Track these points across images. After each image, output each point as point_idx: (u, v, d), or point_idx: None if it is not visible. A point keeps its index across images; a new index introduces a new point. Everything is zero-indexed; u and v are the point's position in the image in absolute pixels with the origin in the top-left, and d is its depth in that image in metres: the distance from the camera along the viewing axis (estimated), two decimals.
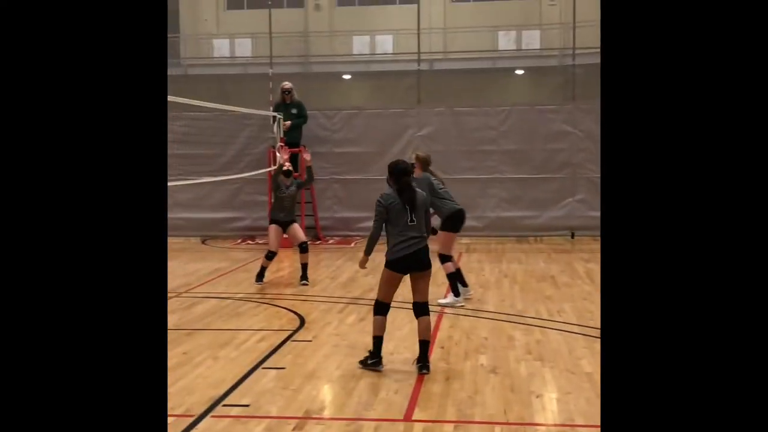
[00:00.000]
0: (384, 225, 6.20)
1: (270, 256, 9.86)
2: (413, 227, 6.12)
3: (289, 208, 10.07)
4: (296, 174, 14.18)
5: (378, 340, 6.18)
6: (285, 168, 10.13)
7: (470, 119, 14.72)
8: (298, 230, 10.09)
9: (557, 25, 24.19)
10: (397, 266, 6.12)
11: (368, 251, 6.38)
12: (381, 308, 6.21)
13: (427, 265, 6.17)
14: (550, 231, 14.51)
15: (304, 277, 9.97)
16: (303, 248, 9.96)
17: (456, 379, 5.84)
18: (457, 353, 6.60)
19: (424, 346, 6.12)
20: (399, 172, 6.22)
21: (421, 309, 6.18)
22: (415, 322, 6.19)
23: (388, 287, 6.21)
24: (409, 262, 6.12)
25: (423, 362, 6.05)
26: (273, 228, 9.94)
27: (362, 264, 6.49)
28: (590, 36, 22.06)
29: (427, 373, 5.96)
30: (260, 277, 9.88)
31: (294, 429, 4.83)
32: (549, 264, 11.75)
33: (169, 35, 27.70)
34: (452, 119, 14.74)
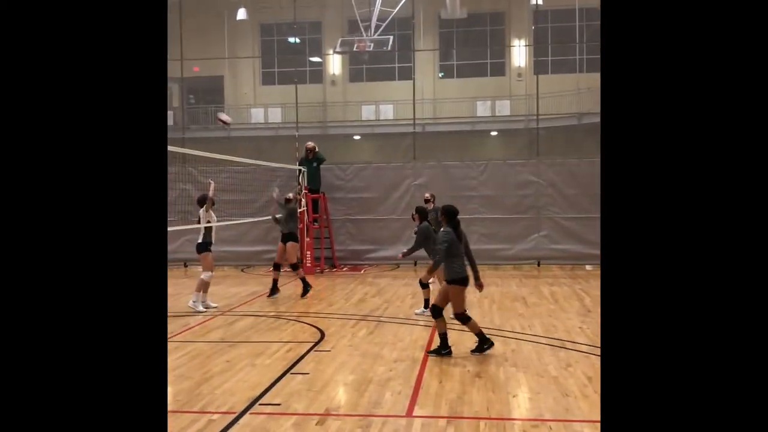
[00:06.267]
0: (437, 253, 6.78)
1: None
2: (462, 255, 6.67)
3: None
4: (316, 215, 14.25)
5: (445, 335, 6.68)
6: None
7: (455, 171, 14.77)
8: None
9: (524, 96, 24.36)
10: (464, 282, 6.62)
11: (433, 271, 7.11)
12: (439, 312, 6.68)
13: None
14: (520, 260, 14.46)
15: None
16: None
17: (448, 382, 5.76)
18: (447, 361, 6.52)
19: (481, 335, 6.74)
20: (453, 214, 6.71)
21: (468, 317, 6.75)
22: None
23: (459, 299, 6.65)
24: (467, 280, 6.65)
25: (489, 343, 6.72)
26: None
27: (426, 279, 7.46)
28: (551, 105, 22.23)
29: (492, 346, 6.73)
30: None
31: (317, 424, 4.76)
32: (520, 287, 11.67)
33: (215, 105, 27.94)
34: (441, 171, 14.79)
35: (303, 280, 10.57)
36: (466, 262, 6.74)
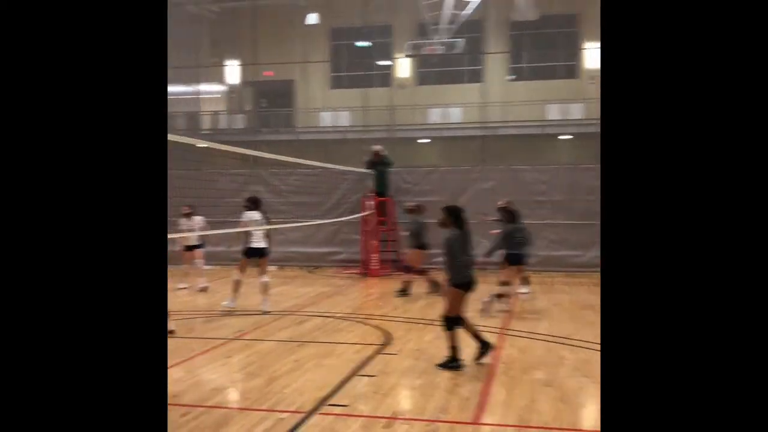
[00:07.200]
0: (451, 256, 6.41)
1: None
2: (469, 258, 6.41)
3: None
4: (384, 218, 14.30)
5: (456, 349, 6.39)
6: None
7: (525, 175, 14.55)
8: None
9: (596, 99, 23.80)
10: (468, 287, 6.38)
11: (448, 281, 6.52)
12: (453, 322, 6.39)
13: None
14: (592, 268, 14.10)
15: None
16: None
17: (516, 390, 5.68)
18: (516, 368, 6.43)
19: (478, 337, 6.56)
20: (458, 214, 6.46)
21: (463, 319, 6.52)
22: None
23: (461, 304, 6.43)
24: (473, 284, 6.42)
25: (487, 345, 6.55)
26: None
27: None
28: None
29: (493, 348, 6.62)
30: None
31: (383, 427, 4.77)
32: (590, 295, 11.39)
33: (285, 109, 28.52)
34: (510, 175, 14.60)
35: (433, 283, 10.93)
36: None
